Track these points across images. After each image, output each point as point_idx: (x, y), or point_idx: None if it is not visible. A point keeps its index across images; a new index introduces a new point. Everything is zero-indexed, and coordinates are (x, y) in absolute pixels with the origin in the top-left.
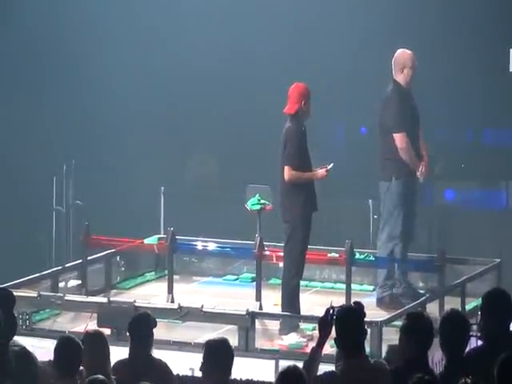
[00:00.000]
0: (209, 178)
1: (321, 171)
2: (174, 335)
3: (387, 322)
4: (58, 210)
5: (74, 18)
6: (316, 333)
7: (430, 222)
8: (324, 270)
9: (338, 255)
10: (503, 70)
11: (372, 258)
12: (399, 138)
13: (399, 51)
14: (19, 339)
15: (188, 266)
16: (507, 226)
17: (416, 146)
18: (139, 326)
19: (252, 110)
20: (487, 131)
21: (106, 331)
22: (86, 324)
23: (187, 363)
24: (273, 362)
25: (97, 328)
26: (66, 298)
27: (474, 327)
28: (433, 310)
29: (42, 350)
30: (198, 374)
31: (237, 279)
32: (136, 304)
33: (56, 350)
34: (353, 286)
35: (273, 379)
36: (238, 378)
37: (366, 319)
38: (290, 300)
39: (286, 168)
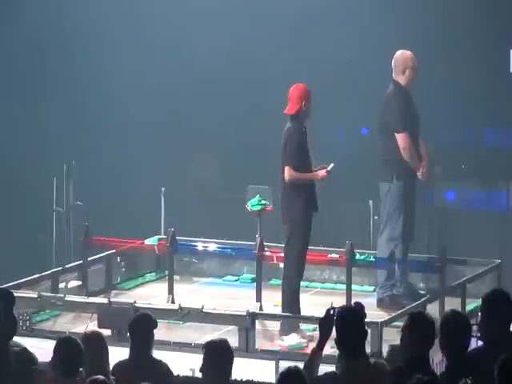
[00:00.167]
0: (209, 178)
1: (321, 172)
2: (175, 336)
3: (387, 323)
4: (59, 211)
5: (75, 19)
6: (316, 333)
7: (430, 223)
8: (324, 271)
9: (338, 256)
10: (503, 71)
11: (372, 259)
12: (402, 138)
13: (399, 52)
14: (19, 340)
15: (188, 266)
16: (507, 227)
17: (416, 146)
18: (139, 326)
19: (252, 111)
20: (487, 132)
21: (107, 332)
22: (87, 325)
23: (187, 364)
24: (273, 362)
25: (95, 329)
26: (66, 298)
27: (475, 328)
28: (433, 310)
29: (43, 350)
30: (199, 374)
31: (237, 280)
32: (136, 305)
33: (57, 351)
34: (353, 286)
35: (273, 380)
36: (239, 379)
37: (366, 320)
38: (291, 301)
39: (287, 168)
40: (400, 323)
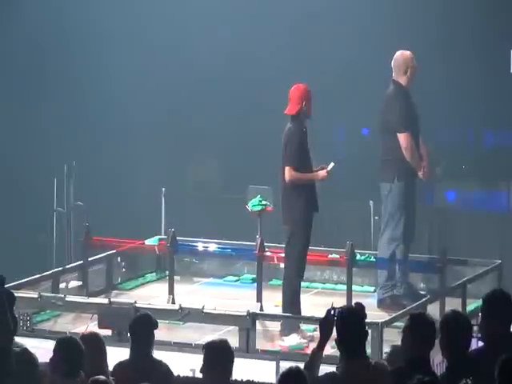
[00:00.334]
0: (209, 178)
1: (322, 172)
2: (175, 336)
3: (388, 323)
4: (59, 211)
5: (75, 19)
6: (317, 334)
7: (430, 223)
8: (325, 271)
9: (338, 256)
10: (504, 71)
11: (373, 259)
12: (404, 138)
13: (398, 53)
14: (20, 340)
15: (189, 266)
16: (508, 227)
17: (416, 145)
18: (140, 326)
19: (252, 111)
20: (488, 132)
21: (107, 332)
22: (87, 325)
23: (188, 364)
24: (273, 363)
25: (93, 330)
26: (66, 298)
27: (475, 328)
28: (433, 311)
29: (43, 350)
30: (199, 375)
31: (237, 280)
32: (137, 305)
33: (57, 351)
34: (353, 287)
35: (273, 380)
36: (239, 379)
37: (366, 320)
38: (291, 301)
39: (287, 169)
40: (400, 324)
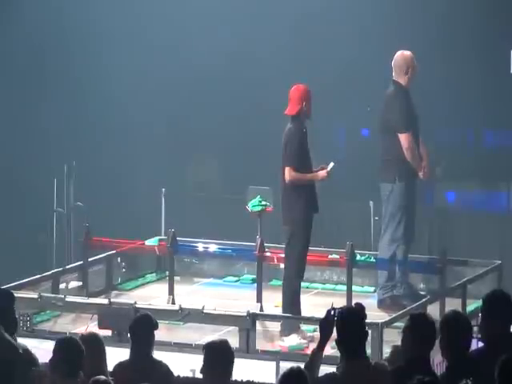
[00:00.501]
0: (209, 179)
1: (322, 172)
2: (175, 337)
3: (388, 324)
4: (59, 212)
5: (75, 19)
6: (317, 334)
7: (431, 224)
8: (325, 272)
9: (338, 257)
10: (504, 71)
11: (373, 260)
12: (405, 138)
13: (399, 53)
14: (20, 340)
15: (189, 267)
16: (508, 228)
17: (416, 146)
18: (140, 327)
19: (252, 111)
20: (488, 133)
21: (107, 332)
22: (87, 325)
23: (188, 365)
24: (273, 363)
25: (91, 330)
26: (66, 299)
27: (475, 329)
28: (433, 311)
29: (43, 351)
30: (199, 375)
31: (237, 280)
32: (137, 305)
33: (58, 352)
34: (354, 287)
35: (273, 381)
36: (239, 380)
37: (366, 321)
38: (291, 301)
39: (287, 169)
40: (401, 324)
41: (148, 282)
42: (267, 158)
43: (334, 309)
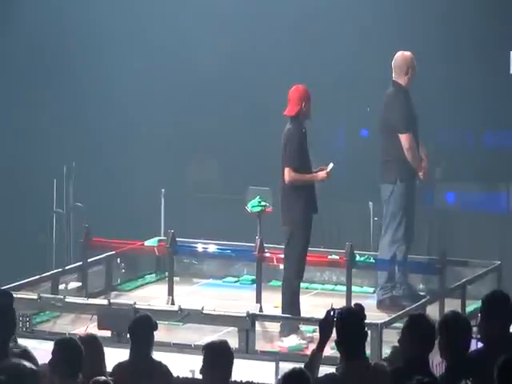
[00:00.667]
0: (209, 179)
1: (321, 173)
2: (175, 337)
3: (387, 324)
4: (59, 212)
5: (75, 19)
6: (316, 335)
7: (430, 224)
8: (324, 272)
9: (338, 257)
10: (504, 72)
11: (372, 260)
12: (405, 139)
13: (399, 54)
14: (19, 341)
15: (188, 267)
16: (508, 228)
17: (416, 146)
18: (139, 328)
19: (252, 111)
20: (488, 133)
21: (107, 333)
22: (87, 326)
23: (187, 365)
24: (273, 364)
25: (90, 331)
26: (66, 299)
27: (474, 329)
28: (433, 312)
29: (43, 351)
30: (199, 376)
31: (237, 281)
32: (136, 306)
33: (57, 352)
34: (353, 288)
35: (273, 381)
36: (238, 380)
37: (366, 321)
38: (291, 302)
39: (287, 170)
40: (400, 324)
41: (147, 283)
42: (267, 159)
43: (333, 309)
